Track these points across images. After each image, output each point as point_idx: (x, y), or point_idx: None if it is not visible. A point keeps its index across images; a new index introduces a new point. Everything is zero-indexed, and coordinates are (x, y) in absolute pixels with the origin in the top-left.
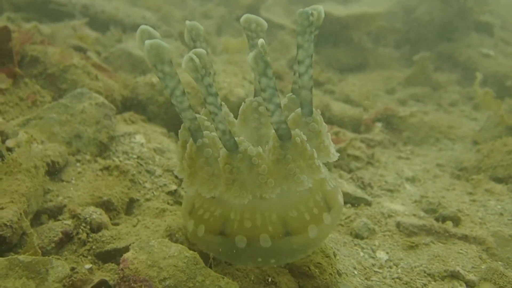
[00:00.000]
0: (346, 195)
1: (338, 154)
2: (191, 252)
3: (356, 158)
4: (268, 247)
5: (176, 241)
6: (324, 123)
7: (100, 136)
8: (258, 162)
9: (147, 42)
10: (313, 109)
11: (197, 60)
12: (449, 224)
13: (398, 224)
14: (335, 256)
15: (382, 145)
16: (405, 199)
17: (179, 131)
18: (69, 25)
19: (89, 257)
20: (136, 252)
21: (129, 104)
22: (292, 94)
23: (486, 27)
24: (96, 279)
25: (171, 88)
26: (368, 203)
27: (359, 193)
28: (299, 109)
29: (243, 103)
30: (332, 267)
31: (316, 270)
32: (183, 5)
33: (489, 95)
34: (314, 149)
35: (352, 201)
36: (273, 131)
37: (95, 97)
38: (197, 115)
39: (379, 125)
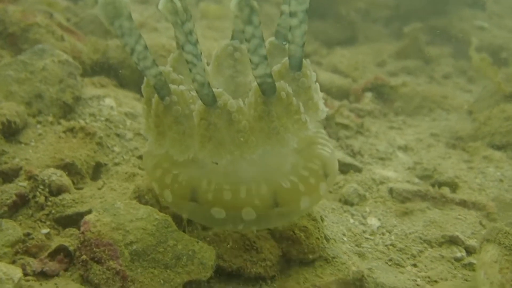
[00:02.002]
0: None
1: (327, 109)
2: (162, 214)
3: (345, 126)
4: (252, 219)
5: (145, 204)
6: (314, 75)
7: (64, 96)
8: (238, 118)
9: None
10: (303, 60)
11: (177, 1)
12: (445, 190)
13: (390, 190)
14: (322, 220)
15: (372, 115)
16: (397, 167)
17: (142, 86)
18: None
19: (48, 223)
20: (99, 214)
21: (99, 69)
22: (275, 38)
23: (479, 3)
24: (54, 245)
25: (131, 44)
26: (358, 170)
27: (348, 159)
28: (286, 59)
29: (214, 43)
30: (319, 231)
31: (302, 234)
32: None
33: (485, 61)
34: (300, 103)
35: (341, 167)
36: (255, 83)
37: (58, 54)
38: (162, 68)
39: (369, 95)
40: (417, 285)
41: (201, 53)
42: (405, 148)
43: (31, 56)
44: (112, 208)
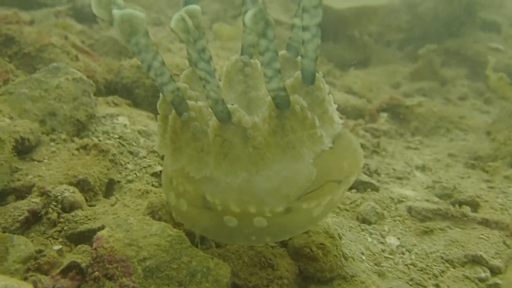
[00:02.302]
0: None
1: (342, 121)
2: (176, 230)
3: (361, 146)
4: (264, 227)
5: (159, 220)
6: (327, 88)
7: (78, 114)
8: (254, 135)
9: (117, 13)
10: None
11: (189, 20)
12: (466, 209)
13: (409, 209)
14: (340, 238)
15: (388, 135)
16: (416, 186)
17: (158, 103)
18: (51, 13)
19: (60, 239)
20: (112, 230)
21: (113, 89)
22: (286, 52)
23: (494, 26)
24: (66, 261)
25: (148, 61)
26: (376, 188)
27: (365, 178)
28: (299, 73)
29: (226, 62)
30: (337, 249)
31: (319, 252)
32: (176, 3)
33: (503, 80)
34: (316, 117)
35: (357, 186)
36: (269, 98)
37: (72, 72)
38: (179, 84)
39: (384, 115)
40: None
41: (214, 70)
42: (422, 168)
43: (46, 74)
44: (125, 224)
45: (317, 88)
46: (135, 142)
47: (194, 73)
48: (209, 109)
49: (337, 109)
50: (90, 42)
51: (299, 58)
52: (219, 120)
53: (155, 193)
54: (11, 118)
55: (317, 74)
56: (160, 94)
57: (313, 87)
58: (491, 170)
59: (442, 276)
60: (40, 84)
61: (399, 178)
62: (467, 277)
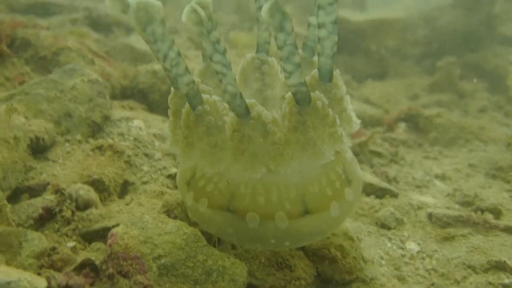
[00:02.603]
0: (369, 186)
1: (360, 121)
2: (191, 228)
3: (379, 154)
4: (284, 228)
5: (174, 218)
6: (344, 87)
7: (93, 116)
8: (274, 130)
9: (133, 1)
10: (333, 71)
11: (201, 11)
12: (488, 217)
13: (430, 215)
14: (359, 241)
15: (406, 145)
16: (435, 194)
17: (169, 97)
18: (67, 20)
19: (74, 237)
20: (127, 227)
21: (129, 94)
22: (302, 51)
23: None
24: (80, 259)
25: (164, 50)
26: (394, 195)
27: (384, 184)
28: (316, 71)
29: (242, 59)
30: (356, 251)
31: (338, 253)
32: None
33: None
34: (336, 115)
35: (376, 192)
36: (289, 94)
37: (88, 73)
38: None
39: (402, 125)
40: None
41: (230, 63)
42: (442, 177)
43: (61, 75)
44: (140, 222)
45: (334, 86)
46: (150, 145)
47: (208, 69)
48: (224, 104)
49: None
50: (106, 49)
51: (315, 58)
52: (237, 115)
53: (170, 195)
54: (26, 118)
55: (334, 72)
56: (172, 88)
57: (331, 85)
58: None
59: (464, 282)
60: (55, 85)
61: (418, 187)
62: (490, 283)
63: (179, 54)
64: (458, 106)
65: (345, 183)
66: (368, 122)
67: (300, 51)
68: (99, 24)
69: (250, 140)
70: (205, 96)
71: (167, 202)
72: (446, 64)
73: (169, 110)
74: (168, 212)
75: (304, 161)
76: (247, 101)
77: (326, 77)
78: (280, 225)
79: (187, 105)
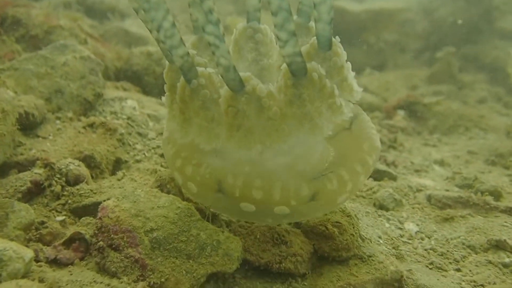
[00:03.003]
0: None
1: (362, 89)
2: (185, 203)
3: None
4: (286, 214)
5: (167, 193)
6: (345, 54)
7: (85, 93)
8: (269, 104)
9: None
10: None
11: None
12: (489, 198)
13: (429, 197)
14: (357, 218)
15: (405, 132)
16: (435, 177)
17: (164, 71)
18: (60, 3)
19: (64, 213)
20: (118, 200)
21: (123, 76)
22: (298, 17)
23: None
24: (69, 233)
25: (159, 20)
26: (393, 178)
27: (382, 167)
28: (314, 39)
29: (234, 30)
30: (353, 228)
31: (335, 230)
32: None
33: None
34: (335, 85)
35: (374, 174)
36: (285, 65)
37: (80, 50)
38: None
39: (401, 112)
40: None
41: (223, 34)
42: (441, 163)
43: (52, 51)
44: (132, 195)
45: (334, 53)
46: (144, 125)
47: (200, 42)
48: (220, 76)
49: None
50: (100, 33)
51: (312, 23)
52: (231, 89)
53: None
54: (15, 93)
55: (333, 39)
56: (166, 62)
57: (331, 53)
58: None
59: (463, 261)
60: (46, 61)
61: (417, 171)
62: (490, 262)
63: (173, 25)
64: (457, 97)
65: (367, 169)
66: (366, 109)
67: (295, 17)
68: (93, 10)
69: (245, 115)
70: (200, 69)
71: (160, 176)
72: (446, 55)
73: (165, 85)
74: (161, 186)
75: (301, 136)
76: (242, 74)
77: (325, 45)
78: (280, 213)
79: (182, 79)
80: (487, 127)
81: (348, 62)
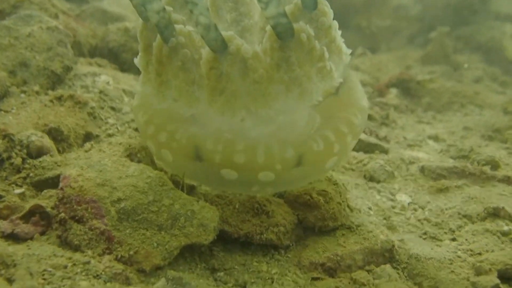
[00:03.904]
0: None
1: (351, 51)
2: (157, 172)
3: (369, 116)
4: (270, 180)
5: (138, 163)
6: (331, 12)
7: (53, 66)
8: (255, 66)
9: None
10: None
11: None
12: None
13: (422, 169)
14: (345, 187)
15: (398, 110)
16: (429, 151)
17: (138, 31)
18: None
19: (25, 187)
20: (82, 169)
21: (99, 54)
22: None
23: (508, 19)
24: (28, 206)
25: None
26: (385, 151)
27: (373, 140)
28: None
29: None
30: (341, 196)
31: (320, 199)
32: None
33: None
34: (324, 48)
35: (365, 148)
36: (269, 27)
37: (46, 20)
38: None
39: (394, 91)
40: (458, 257)
41: None
42: (436, 138)
43: (16, 22)
44: (98, 165)
45: (321, 13)
46: (118, 99)
47: (175, 0)
48: (200, 36)
49: None
50: (76, 12)
51: None
52: (213, 50)
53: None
54: None
55: None
56: (140, 21)
57: (317, 12)
58: (511, 138)
59: (459, 231)
60: (9, 32)
61: (410, 146)
62: (487, 231)
63: None
64: (452, 78)
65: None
66: None
67: None
68: None
69: (228, 78)
70: (178, 27)
71: (129, 145)
72: (439, 35)
73: (139, 45)
74: (131, 156)
75: (289, 102)
76: (224, 33)
77: (310, 4)
78: (264, 179)
79: (158, 37)
80: (483, 103)
81: (335, 21)
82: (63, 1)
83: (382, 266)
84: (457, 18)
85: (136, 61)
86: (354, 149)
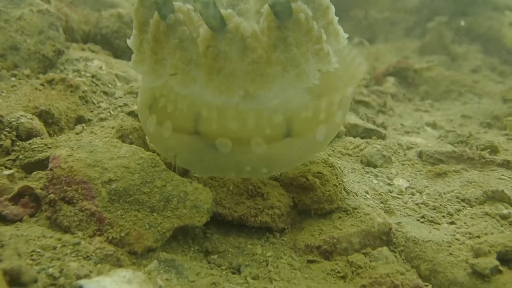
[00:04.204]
0: (353, 127)
1: (348, 35)
2: (149, 153)
3: (366, 104)
4: (262, 153)
5: (130, 144)
6: None
7: (44, 49)
8: (254, 45)
9: None
10: None
11: None
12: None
13: (420, 154)
14: (341, 170)
15: (395, 98)
16: (426, 137)
17: (134, 8)
18: None
19: (14, 169)
20: (72, 150)
21: (92, 41)
22: None
23: (507, 9)
24: (17, 187)
25: None
26: (382, 136)
27: (370, 125)
28: None
29: None
30: (337, 178)
31: (316, 181)
32: None
33: None
34: (322, 29)
35: (361, 133)
36: (267, 6)
37: (37, 3)
38: None
39: (391, 79)
40: (456, 239)
41: None
42: (434, 125)
43: (6, 4)
44: (89, 146)
45: None
46: (111, 84)
47: None
48: (198, 14)
49: None
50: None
51: None
52: (212, 28)
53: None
54: None
55: None
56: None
57: None
58: (510, 124)
59: (457, 215)
60: None
61: (408, 132)
62: (487, 214)
63: None
64: (450, 68)
65: (340, 106)
66: None
67: None
68: None
69: (226, 57)
70: (177, 4)
71: (121, 126)
72: (437, 25)
73: (133, 23)
74: (123, 137)
75: (286, 84)
76: (223, 11)
77: None
78: (257, 150)
79: (156, 14)
80: (482, 92)
81: (331, 5)
82: None
83: (379, 248)
84: (456, 9)
85: (129, 41)
86: (351, 134)
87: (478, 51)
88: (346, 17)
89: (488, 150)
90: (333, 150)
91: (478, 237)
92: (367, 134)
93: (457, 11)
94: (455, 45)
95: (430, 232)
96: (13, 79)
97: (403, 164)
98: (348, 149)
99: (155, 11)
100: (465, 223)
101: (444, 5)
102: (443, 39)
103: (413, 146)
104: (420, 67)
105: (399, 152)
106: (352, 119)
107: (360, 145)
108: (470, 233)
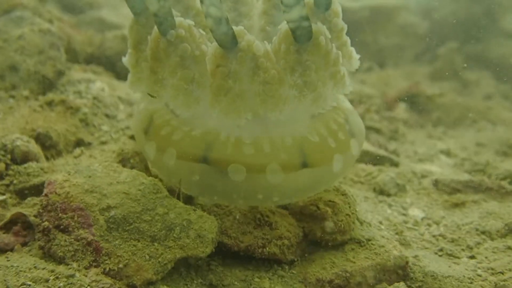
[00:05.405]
0: (365, 154)
1: (359, 56)
2: (151, 178)
3: (377, 130)
4: (278, 182)
5: (131, 168)
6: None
7: (44, 70)
8: (266, 66)
9: None
10: None
11: None
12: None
13: (435, 182)
14: (354, 198)
15: (407, 125)
16: (441, 165)
17: (129, 26)
18: None
19: (7, 194)
20: (69, 174)
21: (95, 62)
22: None
23: None
24: (10, 214)
25: None
26: (395, 164)
27: (382, 152)
28: None
29: None
30: (350, 207)
31: (328, 209)
32: None
33: None
34: (339, 52)
35: (374, 160)
36: (285, 27)
37: (39, 22)
38: None
39: (402, 105)
40: (478, 275)
41: None
42: (448, 153)
43: (6, 23)
44: (87, 170)
45: (334, 13)
46: (113, 106)
47: None
48: (200, 30)
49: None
50: (73, 21)
51: None
52: (222, 45)
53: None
54: None
55: None
56: (131, 15)
57: (330, 13)
58: None
59: (478, 248)
60: None
61: (421, 160)
62: (509, 248)
63: None
64: (462, 94)
65: (350, 134)
66: (365, 103)
67: None
68: (70, 6)
69: (236, 77)
70: (178, 19)
71: (122, 150)
72: (448, 51)
73: (128, 41)
74: (124, 161)
75: (300, 107)
76: (235, 28)
77: (323, 3)
78: (273, 180)
79: (155, 30)
80: (496, 119)
81: (345, 25)
82: (60, 11)
83: (396, 284)
84: (466, 35)
85: (125, 59)
86: (362, 161)
87: (490, 77)
88: (353, 42)
89: (508, 180)
90: (344, 178)
91: (502, 273)
92: (379, 161)
93: (468, 38)
94: (467, 72)
95: (449, 266)
96: (11, 100)
97: (418, 193)
98: (360, 176)
99: (151, 28)
100: (486, 257)
101: (453, 31)
102: (455, 65)
103: (428, 174)
104: (432, 93)
105: (413, 180)
106: (364, 145)
107: (372, 172)
108: (492, 269)
